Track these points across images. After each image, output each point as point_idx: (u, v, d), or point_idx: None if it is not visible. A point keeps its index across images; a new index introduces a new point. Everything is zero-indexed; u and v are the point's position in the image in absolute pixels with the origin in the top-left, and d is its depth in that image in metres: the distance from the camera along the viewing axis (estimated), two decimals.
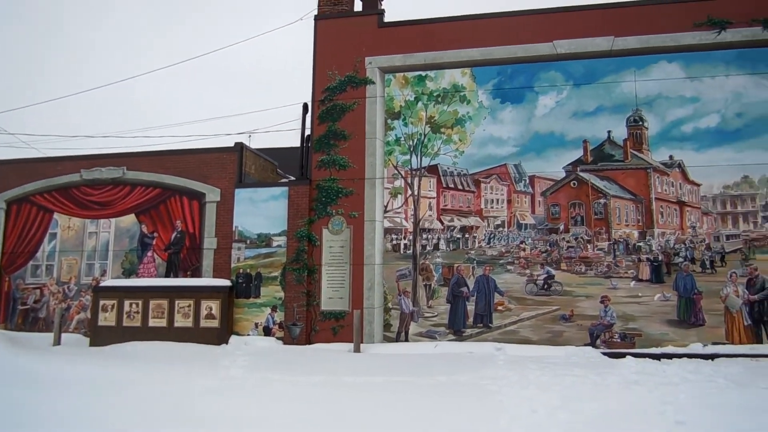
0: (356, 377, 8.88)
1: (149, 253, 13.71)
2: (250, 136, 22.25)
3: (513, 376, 8.62)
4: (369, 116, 12.94)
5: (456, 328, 12.15)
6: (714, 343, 11.06)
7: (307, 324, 12.42)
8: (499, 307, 12.12)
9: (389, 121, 13.13)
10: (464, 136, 12.81)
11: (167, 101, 53.09)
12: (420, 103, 13.05)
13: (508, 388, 7.79)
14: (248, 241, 13.13)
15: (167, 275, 13.45)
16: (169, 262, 13.55)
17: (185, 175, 13.68)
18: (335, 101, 13.11)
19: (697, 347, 10.93)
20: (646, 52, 12.13)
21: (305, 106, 13.70)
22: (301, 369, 9.48)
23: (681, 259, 11.71)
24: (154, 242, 13.71)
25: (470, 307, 12.20)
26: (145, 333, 12.39)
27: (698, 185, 11.94)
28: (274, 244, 13.01)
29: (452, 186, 12.81)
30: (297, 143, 14.56)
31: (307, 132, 13.60)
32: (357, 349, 11.29)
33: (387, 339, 12.37)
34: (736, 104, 11.85)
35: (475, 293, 12.22)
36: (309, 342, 12.27)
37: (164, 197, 13.82)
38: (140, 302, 12.64)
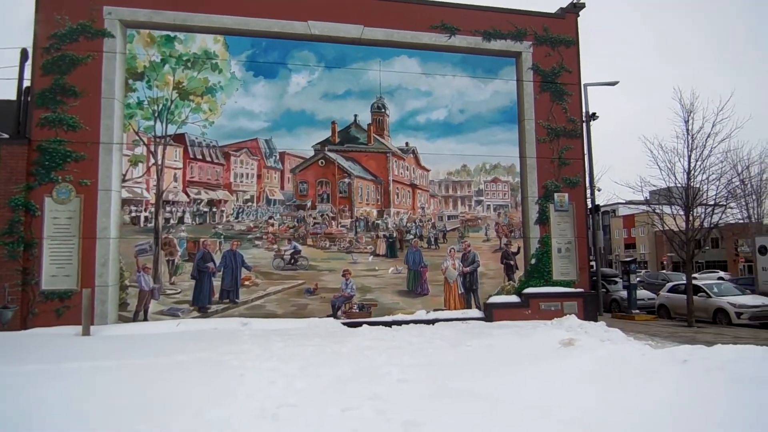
0: (83, 362, 7.97)
1: None
2: None
3: (256, 350, 8.70)
4: (107, 73, 11.60)
5: (201, 305, 11.76)
6: (435, 310, 12.81)
7: (23, 306, 10.77)
8: (246, 282, 12.09)
9: (131, 81, 11.95)
10: (214, 105, 12.33)
11: None
12: (167, 66, 12.13)
13: (250, 362, 7.83)
14: None
15: None
16: None
17: None
18: (64, 51, 11.43)
19: (421, 314, 12.53)
20: (391, 45, 13.20)
21: (24, 51, 11.66)
22: (11, 358, 8.17)
23: (411, 236, 13.15)
24: None
25: (216, 282, 11.92)
26: None
27: (428, 171, 13.48)
28: None
29: (200, 157, 12.26)
30: (12, 95, 12.35)
31: (27, 83, 11.62)
32: (86, 332, 10.18)
33: (123, 319, 11.39)
34: (460, 102, 13.65)
35: (222, 268, 11.98)
36: (25, 327, 10.71)
37: None
38: None
